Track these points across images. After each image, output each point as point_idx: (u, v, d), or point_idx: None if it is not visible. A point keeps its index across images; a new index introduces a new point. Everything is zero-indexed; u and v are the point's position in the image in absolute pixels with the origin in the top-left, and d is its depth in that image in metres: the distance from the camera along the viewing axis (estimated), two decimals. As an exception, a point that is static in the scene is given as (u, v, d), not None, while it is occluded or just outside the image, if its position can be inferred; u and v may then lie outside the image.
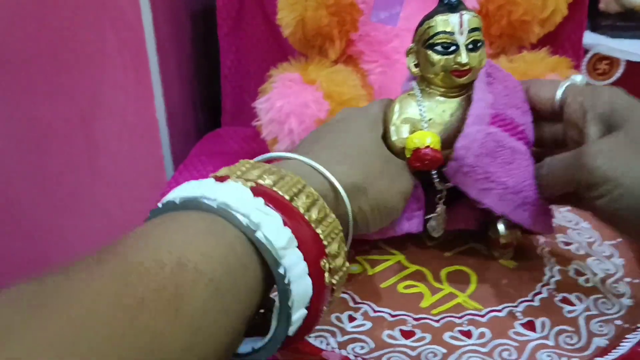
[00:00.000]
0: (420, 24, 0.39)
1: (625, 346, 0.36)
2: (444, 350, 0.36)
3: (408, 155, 0.38)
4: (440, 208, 0.42)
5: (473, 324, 0.39)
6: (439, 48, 0.38)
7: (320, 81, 0.59)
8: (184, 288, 0.23)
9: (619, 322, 0.39)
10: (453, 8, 0.38)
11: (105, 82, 0.71)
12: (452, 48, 0.38)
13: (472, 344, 0.37)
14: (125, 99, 0.71)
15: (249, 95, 0.73)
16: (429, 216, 0.43)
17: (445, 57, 0.38)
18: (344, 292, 0.41)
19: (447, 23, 0.38)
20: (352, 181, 0.34)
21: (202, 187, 0.27)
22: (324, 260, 0.28)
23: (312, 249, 0.28)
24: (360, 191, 0.35)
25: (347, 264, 0.31)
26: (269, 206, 0.27)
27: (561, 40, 0.72)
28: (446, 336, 0.38)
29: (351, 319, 0.39)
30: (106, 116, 0.73)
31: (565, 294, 0.41)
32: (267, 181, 0.29)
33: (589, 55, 0.78)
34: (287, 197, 0.28)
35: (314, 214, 0.29)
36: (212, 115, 0.88)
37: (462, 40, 0.38)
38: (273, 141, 0.62)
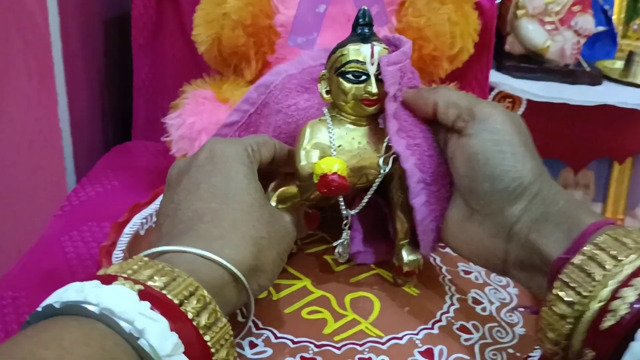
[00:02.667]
0: (333, 51, 0.40)
1: (515, 374, 0.37)
2: (344, 378, 0.36)
3: (316, 181, 0.38)
4: (346, 234, 0.43)
5: (374, 352, 0.39)
6: (350, 76, 0.39)
7: (233, 101, 0.59)
8: None
9: (511, 350, 0.40)
10: (365, 38, 0.39)
11: (7, 87, 0.66)
12: (363, 77, 0.39)
13: (372, 372, 0.37)
14: (28, 105, 0.67)
15: (161, 110, 0.71)
16: (335, 243, 0.43)
17: (356, 85, 0.39)
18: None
19: (359, 52, 0.39)
20: (249, 264, 0.34)
21: (85, 290, 0.26)
22: None
23: (199, 356, 0.27)
24: (257, 271, 0.34)
25: None
26: (155, 311, 0.26)
27: (469, 78, 0.76)
28: (347, 364, 0.38)
29: (252, 345, 0.38)
30: (5, 123, 0.68)
31: (463, 322, 0.42)
32: (157, 283, 0.28)
33: (493, 93, 0.83)
34: (176, 301, 0.28)
35: (203, 320, 0.28)
36: (122, 128, 0.85)
37: (372, 70, 0.39)
38: (183, 158, 0.60)
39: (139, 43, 0.76)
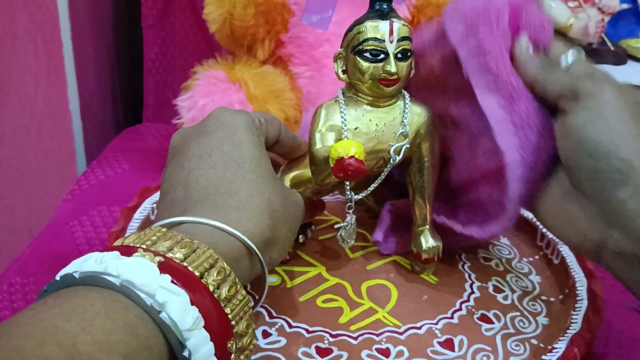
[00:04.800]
0: (350, 29, 0.38)
1: (540, 367, 0.36)
2: (361, 370, 0.35)
3: (332, 165, 0.37)
4: (350, 218, 0.41)
5: (391, 342, 0.38)
6: (367, 55, 0.37)
7: (244, 82, 0.57)
8: None
9: (534, 341, 0.39)
10: (383, 15, 0.37)
11: (15, 68, 0.65)
12: (381, 56, 0.37)
13: (390, 363, 0.36)
14: (36, 86, 0.66)
15: (172, 91, 0.70)
16: (337, 226, 0.42)
17: (374, 64, 0.37)
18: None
19: (377, 30, 0.37)
20: (265, 237, 0.33)
21: (105, 260, 0.26)
22: (231, 342, 0.28)
23: (219, 329, 0.27)
24: (271, 243, 0.34)
25: (255, 341, 0.30)
26: (176, 284, 0.26)
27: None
28: (363, 354, 0.36)
29: (265, 334, 0.37)
30: (14, 104, 0.67)
31: (483, 312, 0.41)
32: (177, 255, 0.27)
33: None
34: (197, 274, 0.27)
35: (224, 292, 0.28)
36: (133, 110, 0.84)
37: (391, 48, 0.37)
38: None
39: (149, 22, 0.75)
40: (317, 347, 0.37)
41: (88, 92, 0.70)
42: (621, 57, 0.83)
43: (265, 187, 0.34)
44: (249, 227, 0.32)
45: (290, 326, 0.38)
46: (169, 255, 0.27)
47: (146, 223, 0.48)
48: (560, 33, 0.82)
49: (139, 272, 0.25)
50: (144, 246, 0.27)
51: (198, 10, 0.72)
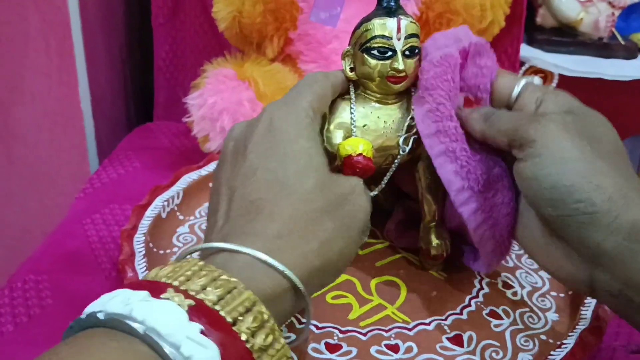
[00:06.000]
0: (358, 26, 0.38)
1: (549, 363, 0.36)
2: (370, 366, 0.35)
3: (339, 162, 0.37)
4: None
5: (400, 338, 0.38)
6: (375, 52, 0.37)
7: (253, 80, 0.57)
8: None
9: (544, 337, 0.39)
10: (391, 12, 0.37)
11: (27, 67, 0.66)
12: (389, 53, 0.37)
13: (399, 359, 0.36)
14: (48, 85, 0.66)
15: (182, 90, 0.70)
16: None
17: (382, 62, 0.37)
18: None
19: (385, 27, 0.37)
20: (311, 266, 0.30)
21: (132, 302, 0.24)
22: None
23: None
24: (321, 270, 0.31)
25: None
26: (205, 334, 0.24)
27: (499, 52, 0.73)
28: (373, 350, 0.37)
29: (275, 330, 0.38)
30: (26, 103, 0.68)
31: (492, 307, 0.41)
32: (210, 296, 0.25)
33: (524, 68, 0.80)
34: (229, 319, 0.25)
35: (258, 341, 0.25)
36: (144, 108, 0.84)
37: (399, 45, 0.37)
38: (204, 139, 0.59)
39: (159, 21, 0.75)
40: (326, 343, 0.37)
41: (99, 90, 0.71)
42: (632, 51, 0.82)
43: (311, 206, 0.31)
44: (291, 258, 0.29)
45: (299, 322, 0.38)
46: (201, 296, 0.25)
47: (157, 221, 0.48)
48: (570, 28, 0.82)
49: (166, 318, 0.24)
50: (176, 283, 0.26)
51: (207, 8, 0.72)
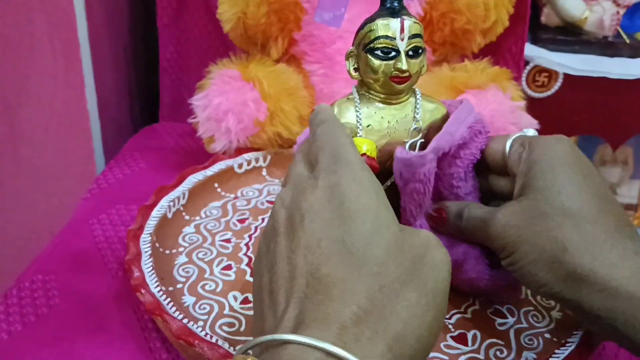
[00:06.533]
0: (361, 27, 0.38)
1: (553, 361, 0.36)
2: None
3: (344, 163, 0.37)
4: None
5: (405, 337, 0.38)
6: (378, 53, 0.37)
7: (258, 81, 0.58)
8: None
9: (548, 335, 0.39)
10: (395, 13, 0.37)
11: (33, 69, 0.66)
12: (393, 54, 0.37)
13: (403, 358, 0.36)
14: (54, 87, 0.67)
15: (188, 91, 0.71)
16: None
17: (385, 62, 0.37)
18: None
19: (388, 28, 0.37)
20: (398, 353, 0.26)
21: None
22: None
23: None
24: (406, 357, 0.27)
25: None
26: None
27: (502, 52, 0.73)
28: (377, 349, 0.37)
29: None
30: (32, 104, 0.68)
31: (497, 306, 0.41)
32: None
33: (528, 67, 0.80)
34: None
35: None
36: (149, 109, 0.84)
37: (402, 46, 0.37)
38: (210, 140, 0.60)
39: (164, 22, 0.75)
40: (331, 342, 0.37)
41: (105, 91, 0.71)
42: (637, 50, 0.82)
43: (387, 278, 0.27)
44: (366, 347, 0.25)
45: None
46: None
47: (163, 221, 0.49)
48: (575, 26, 0.82)
49: None
50: None
51: (212, 9, 0.72)
